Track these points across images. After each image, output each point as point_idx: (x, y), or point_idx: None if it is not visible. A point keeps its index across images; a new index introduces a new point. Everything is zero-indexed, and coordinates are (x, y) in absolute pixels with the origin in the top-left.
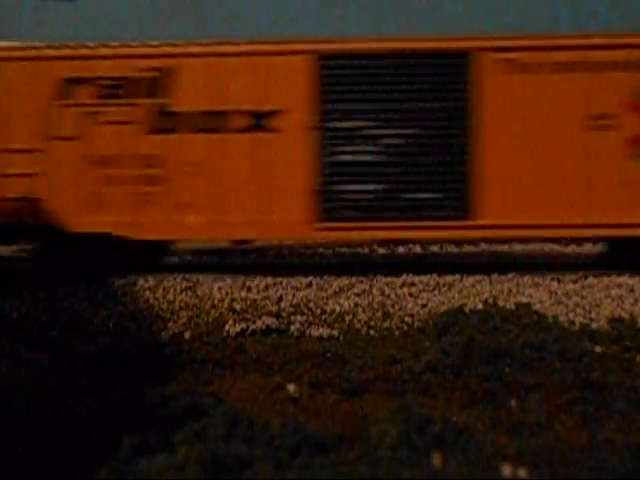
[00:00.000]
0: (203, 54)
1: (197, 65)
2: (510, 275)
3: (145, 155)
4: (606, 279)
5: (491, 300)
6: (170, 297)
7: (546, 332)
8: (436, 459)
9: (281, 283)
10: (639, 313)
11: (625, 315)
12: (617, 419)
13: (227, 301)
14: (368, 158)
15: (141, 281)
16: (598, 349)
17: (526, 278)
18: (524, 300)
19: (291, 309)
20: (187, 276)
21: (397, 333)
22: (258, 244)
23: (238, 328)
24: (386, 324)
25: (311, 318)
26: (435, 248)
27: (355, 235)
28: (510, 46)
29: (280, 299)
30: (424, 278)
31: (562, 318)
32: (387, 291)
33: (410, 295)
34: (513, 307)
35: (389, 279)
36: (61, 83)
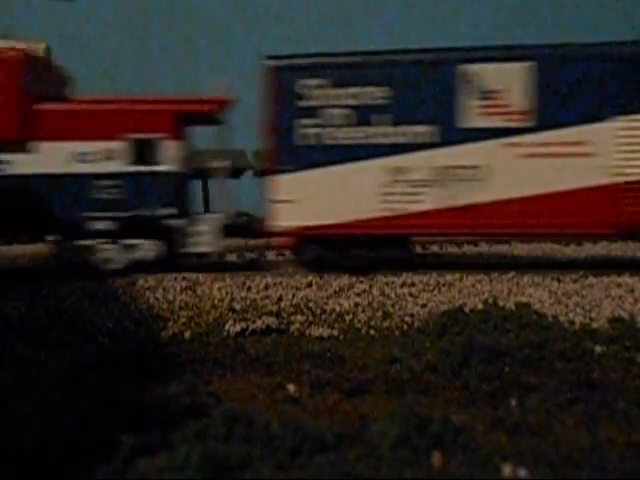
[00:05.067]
0: None
1: None
2: (510, 275)
3: None
4: (606, 279)
5: (491, 300)
6: (170, 297)
7: (546, 332)
8: (436, 459)
9: (281, 283)
10: (639, 313)
11: (625, 315)
12: (617, 419)
13: (227, 301)
14: None
15: (141, 281)
16: (598, 349)
17: (526, 278)
18: (524, 300)
19: (291, 309)
20: (187, 276)
21: (397, 333)
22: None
23: (238, 328)
24: (386, 324)
25: (311, 318)
26: (435, 248)
27: None
28: None
29: (280, 299)
30: (424, 278)
31: (562, 318)
32: (387, 291)
33: (410, 295)
34: (513, 307)
35: (389, 279)
36: None
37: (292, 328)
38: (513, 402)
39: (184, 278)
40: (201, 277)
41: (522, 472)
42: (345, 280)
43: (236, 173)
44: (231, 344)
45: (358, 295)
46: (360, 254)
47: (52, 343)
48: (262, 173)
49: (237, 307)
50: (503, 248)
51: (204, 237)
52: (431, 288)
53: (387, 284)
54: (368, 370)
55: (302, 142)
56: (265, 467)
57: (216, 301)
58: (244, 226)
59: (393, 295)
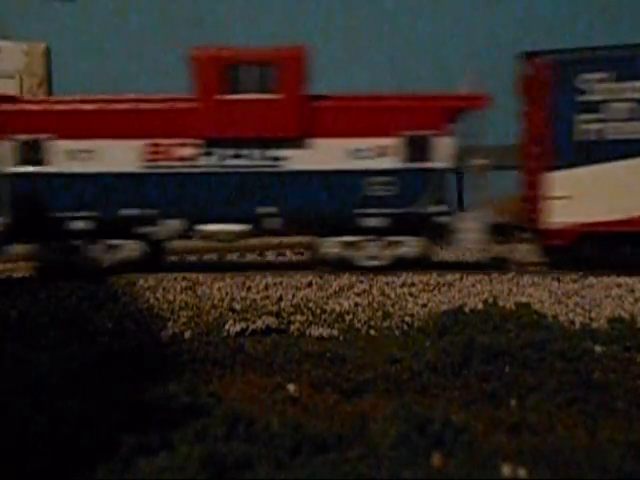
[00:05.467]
0: None
1: None
2: (510, 275)
3: None
4: (606, 279)
5: (491, 300)
6: (170, 297)
7: (546, 332)
8: (436, 459)
9: (281, 283)
10: (639, 313)
11: (625, 315)
12: (617, 419)
13: (227, 301)
14: None
15: (141, 281)
16: (598, 349)
17: (526, 278)
18: (524, 300)
19: (291, 309)
20: (187, 276)
21: (397, 333)
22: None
23: (238, 328)
24: (386, 324)
25: (311, 318)
26: (437, 249)
27: None
28: None
29: (280, 299)
30: (424, 278)
31: (562, 318)
32: (387, 291)
33: (410, 295)
34: (513, 307)
35: (389, 279)
36: None
37: (292, 328)
38: (513, 402)
39: (184, 278)
40: (201, 277)
41: (522, 472)
42: (345, 280)
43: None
44: (231, 344)
45: (358, 295)
46: (635, 252)
47: (52, 343)
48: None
49: (237, 307)
50: (504, 248)
51: (471, 234)
52: (431, 288)
53: (387, 284)
54: (368, 370)
55: (582, 137)
56: (265, 467)
57: (216, 301)
58: (504, 223)
59: (393, 295)
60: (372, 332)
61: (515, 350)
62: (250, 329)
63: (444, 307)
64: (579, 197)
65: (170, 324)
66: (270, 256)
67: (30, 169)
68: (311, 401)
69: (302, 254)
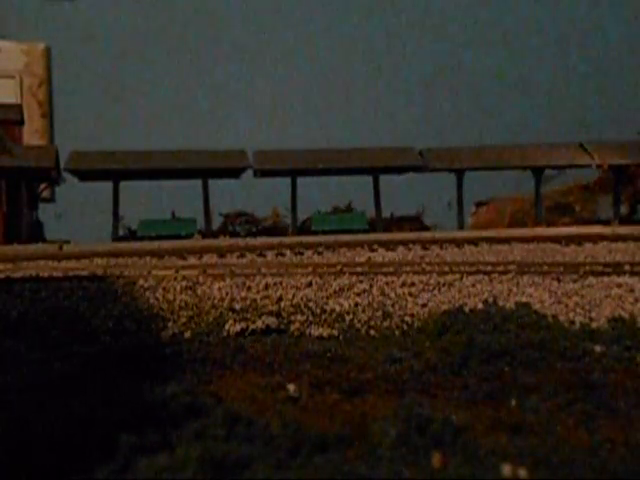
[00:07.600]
0: None
1: None
2: (510, 275)
3: None
4: (606, 279)
5: (491, 300)
6: (170, 297)
7: (546, 332)
8: (436, 459)
9: (281, 283)
10: (639, 313)
11: (625, 315)
12: (617, 419)
13: (227, 301)
14: None
15: (141, 281)
16: (598, 349)
17: (526, 278)
18: (524, 300)
19: (291, 309)
20: (187, 276)
21: (397, 333)
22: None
23: (238, 328)
24: (386, 324)
25: (311, 318)
26: (437, 249)
27: None
28: None
29: (280, 299)
30: (424, 278)
31: (562, 318)
32: (387, 291)
33: (410, 295)
34: (513, 307)
35: (389, 279)
36: None
37: (292, 328)
38: (513, 402)
39: (184, 278)
40: (201, 277)
41: (522, 472)
42: (345, 280)
43: None
44: (231, 344)
45: (358, 295)
46: None
47: (52, 343)
48: None
49: (237, 307)
50: (503, 248)
51: None
52: (431, 288)
53: (387, 284)
54: (368, 370)
55: None
56: (265, 467)
57: (216, 301)
58: None
59: (393, 295)
60: (372, 332)
61: (515, 350)
62: (250, 329)
63: (444, 307)
64: None
65: (170, 324)
66: (269, 256)
67: None
68: (311, 401)
69: (302, 254)
